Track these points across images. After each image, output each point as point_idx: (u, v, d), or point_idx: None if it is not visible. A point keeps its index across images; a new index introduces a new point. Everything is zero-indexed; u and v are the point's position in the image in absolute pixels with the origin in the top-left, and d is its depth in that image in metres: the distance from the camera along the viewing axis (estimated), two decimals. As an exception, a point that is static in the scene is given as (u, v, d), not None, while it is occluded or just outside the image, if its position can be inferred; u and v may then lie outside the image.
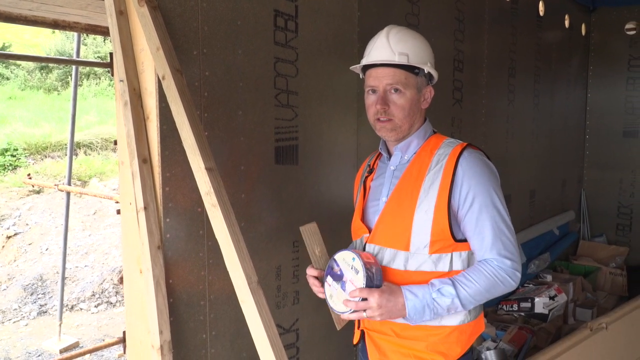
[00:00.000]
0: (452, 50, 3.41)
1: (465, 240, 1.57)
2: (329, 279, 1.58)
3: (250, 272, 1.57)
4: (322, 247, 1.68)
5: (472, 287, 1.49)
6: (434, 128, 1.72)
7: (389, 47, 1.60)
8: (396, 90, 1.58)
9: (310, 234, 1.66)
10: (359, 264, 1.49)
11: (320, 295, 1.65)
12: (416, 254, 1.55)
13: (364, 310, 1.47)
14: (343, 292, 1.52)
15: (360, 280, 1.48)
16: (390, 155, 1.71)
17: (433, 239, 1.53)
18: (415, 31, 1.68)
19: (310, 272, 1.68)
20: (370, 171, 1.79)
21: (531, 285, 4.25)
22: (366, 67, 1.65)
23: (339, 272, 1.55)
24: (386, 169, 1.70)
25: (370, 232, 1.66)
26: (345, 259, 1.54)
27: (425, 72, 1.62)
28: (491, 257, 1.51)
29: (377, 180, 1.73)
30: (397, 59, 1.58)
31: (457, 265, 1.56)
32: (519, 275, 1.53)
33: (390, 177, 1.67)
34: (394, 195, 1.62)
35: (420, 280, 1.54)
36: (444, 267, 1.55)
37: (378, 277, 1.51)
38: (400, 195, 1.60)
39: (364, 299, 1.46)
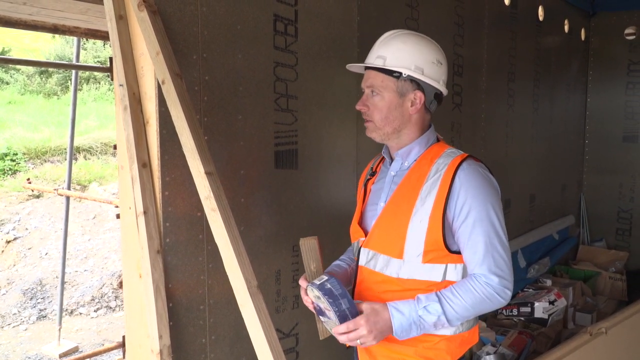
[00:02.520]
0: (452, 54, 3.42)
1: (460, 252, 1.54)
2: (319, 317, 1.58)
3: (249, 277, 1.57)
4: (318, 264, 1.61)
5: (458, 304, 1.47)
6: (439, 135, 1.70)
7: (374, 49, 1.63)
8: (374, 92, 1.59)
9: (308, 248, 1.60)
10: (324, 303, 1.46)
11: (309, 306, 1.61)
12: (409, 262, 1.54)
13: (358, 340, 1.46)
14: (330, 321, 1.51)
15: (333, 319, 1.46)
16: (392, 160, 1.70)
17: (426, 248, 1.52)
18: (420, 37, 1.62)
19: (303, 284, 1.60)
20: (373, 174, 1.79)
21: (531, 290, 4.24)
22: None
23: (318, 308, 1.54)
24: (387, 173, 1.69)
25: (366, 236, 1.66)
26: (315, 294, 1.51)
27: (404, 75, 1.56)
28: (480, 272, 1.49)
29: (377, 184, 1.73)
30: (373, 62, 1.60)
31: (452, 276, 1.54)
32: (509, 292, 1.50)
33: (390, 183, 1.66)
34: (391, 201, 1.61)
35: (413, 288, 1.53)
36: (437, 277, 1.53)
37: (352, 309, 1.46)
38: (397, 202, 1.59)
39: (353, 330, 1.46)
